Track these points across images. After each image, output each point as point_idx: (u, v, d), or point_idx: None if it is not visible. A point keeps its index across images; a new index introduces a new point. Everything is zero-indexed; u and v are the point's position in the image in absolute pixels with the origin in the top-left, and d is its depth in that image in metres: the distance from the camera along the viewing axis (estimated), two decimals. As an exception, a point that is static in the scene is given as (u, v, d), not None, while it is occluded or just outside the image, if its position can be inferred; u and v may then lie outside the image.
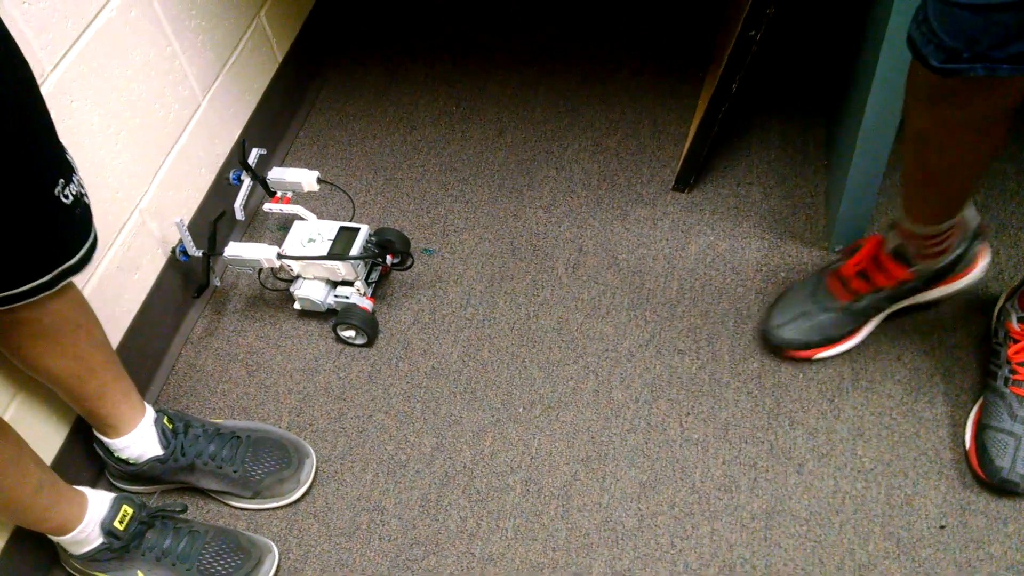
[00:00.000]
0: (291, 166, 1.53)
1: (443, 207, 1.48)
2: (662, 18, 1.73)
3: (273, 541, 1.11)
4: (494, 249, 1.41)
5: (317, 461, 1.18)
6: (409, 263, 1.35)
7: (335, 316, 1.29)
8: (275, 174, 1.35)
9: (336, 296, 1.30)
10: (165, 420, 1.11)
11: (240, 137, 1.47)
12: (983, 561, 1.03)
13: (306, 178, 1.34)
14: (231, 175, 1.36)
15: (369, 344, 1.30)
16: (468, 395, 1.24)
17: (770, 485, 1.11)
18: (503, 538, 1.10)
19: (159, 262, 1.29)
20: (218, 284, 1.38)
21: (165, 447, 1.10)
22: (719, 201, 1.43)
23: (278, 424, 1.24)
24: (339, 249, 1.26)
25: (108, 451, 1.10)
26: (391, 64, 1.73)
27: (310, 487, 1.16)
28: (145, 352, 1.27)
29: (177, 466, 1.12)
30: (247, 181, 1.36)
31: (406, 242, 1.37)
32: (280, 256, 1.26)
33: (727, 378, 1.22)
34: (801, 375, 1.21)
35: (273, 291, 1.38)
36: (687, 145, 1.43)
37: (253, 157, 1.36)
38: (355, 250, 1.26)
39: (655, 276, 1.35)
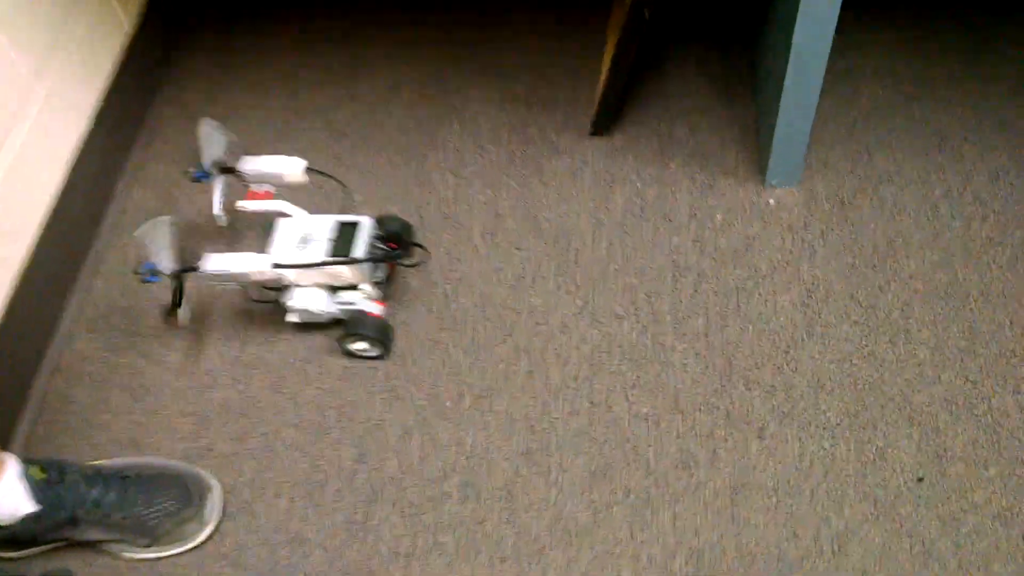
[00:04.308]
0: (158, 151, 1.34)
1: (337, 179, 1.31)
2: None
3: (179, 594, 0.96)
4: (400, 223, 1.25)
5: (222, 493, 1.03)
6: (418, 260, 1.17)
7: (341, 326, 1.11)
8: (250, 164, 1.14)
9: (339, 303, 1.11)
10: (34, 470, 0.94)
11: (92, 125, 1.26)
12: (967, 512, 0.95)
13: (289, 168, 1.13)
14: (193, 169, 1.15)
15: (384, 355, 1.12)
16: (387, 394, 1.10)
17: (731, 456, 1.01)
18: (444, 555, 0.98)
19: (5, 281, 1.09)
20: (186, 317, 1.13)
21: (40, 501, 0.93)
22: (642, 143, 1.30)
23: (172, 455, 1.07)
24: (342, 249, 1.07)
25: (-30, 518, 0.92)
26: (261, 23, 1.53)
27: (217, 525, 1.01)
28: (2, 391, 1.09)
29: (57, 521, 0.95)
30: (218, 175, 1.14)
31: (410, 231, 1.19)
32: (276, 266, 1.06)
33: (672, 340, 1.10)
34: (751, 327, 1.10)
35: (262, 303, 1.16)
36: (601, 84, 1.29)
37: (219, 139, 1.14)
38: (360, 248, 1.06)
39: (581, 235, 1.21)
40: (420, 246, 1.16)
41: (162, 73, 1.46)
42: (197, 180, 1.16)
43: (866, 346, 1.07)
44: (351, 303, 1.11)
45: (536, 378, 1.09)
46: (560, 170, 1.28)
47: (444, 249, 1.22)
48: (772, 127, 1.14)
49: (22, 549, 0.99)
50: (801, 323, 1.09)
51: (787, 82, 1.06)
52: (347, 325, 1.10)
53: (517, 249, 1.21)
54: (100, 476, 0.98)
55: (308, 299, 1.09)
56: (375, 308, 1.11)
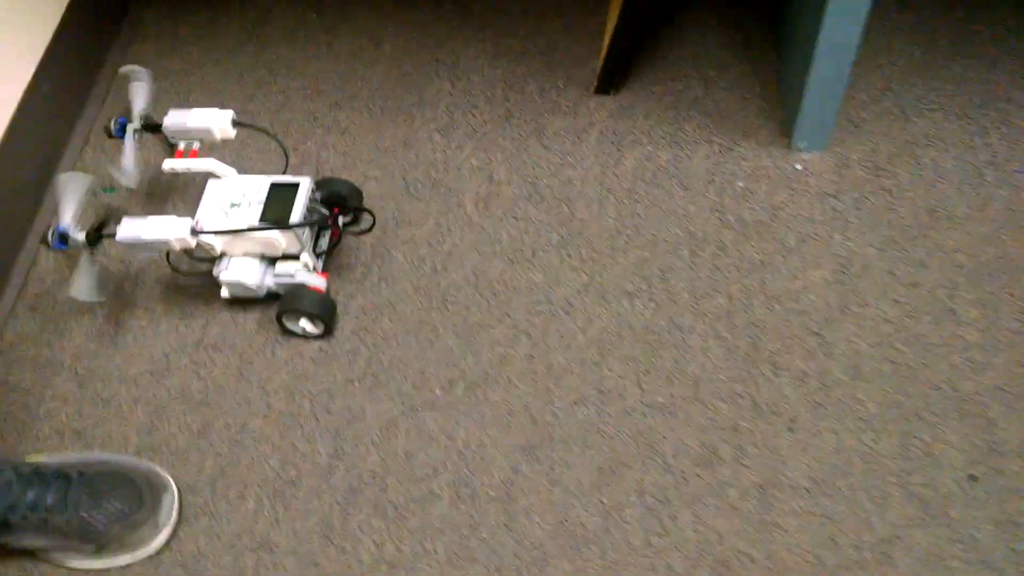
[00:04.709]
0: (111, 109, 1.20)
1: (313, 141, 1.18)
2: None
3: (128, 610, 0.84)
4: (383, 189, 1.12)
5: (180, 492, 0.90)
6: (370, 224, 1.05)
7: (277, 302, 0.99)
8: (174, 119, 1.02)
9: (277, 276, 0.99)
10: (-44, 472, 0.81)
11: (37, 73, 1.12)
12: (1027, 515, 0.83)
13: (217, 121, 1.01)
14: (112, 124, 1.03)
15: (327, 333, 1.00)
16: (369, 380, 0.97)
17: (758, 451, 0.89)
18: (433, 564, 0.85)
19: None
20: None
21: None
22: (653, 101, 1.17)
23: (124, 449, 0.94)
24: (275, 213, 0.94)
25: None
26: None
27: (174, 529, 0.88)
28: (-71, 376, 0.96)
29: None
30: (131, 130, 1.03)
31: (359, 195, 1.06)
32: (195, 232, 0.94)
33: (690, 321, 0.98)
34: (779, 306, 0.98)
35: (190, 276, 1.05)
36: (608, 36, 1.16)
37: (144, 91, 1.04)
38: (297, 212, 0.94)
39: (587, 203, 1.08)
40: (367, 211, 1.03)
41: (115, 24, 1.32)
42: (115, 136, 1.04)
43: (907, 328, 0.95)
44: (290, 275, 0.99)
45: (537, 363, 0.96)
46: (562, 131, 1.15)
47: (432, 219, 1.09)
48: (801, 82, 1.02)
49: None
50: (834, 302, 0.97)
51: (824, 29, 0.93)
52: (282, 300, 0.97)
53: (514, 218, 1.08)
54: (37, 475, 0.85)
55: (241, 271, 0.97)
56: (316, 281, 0.99)
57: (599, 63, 1.17)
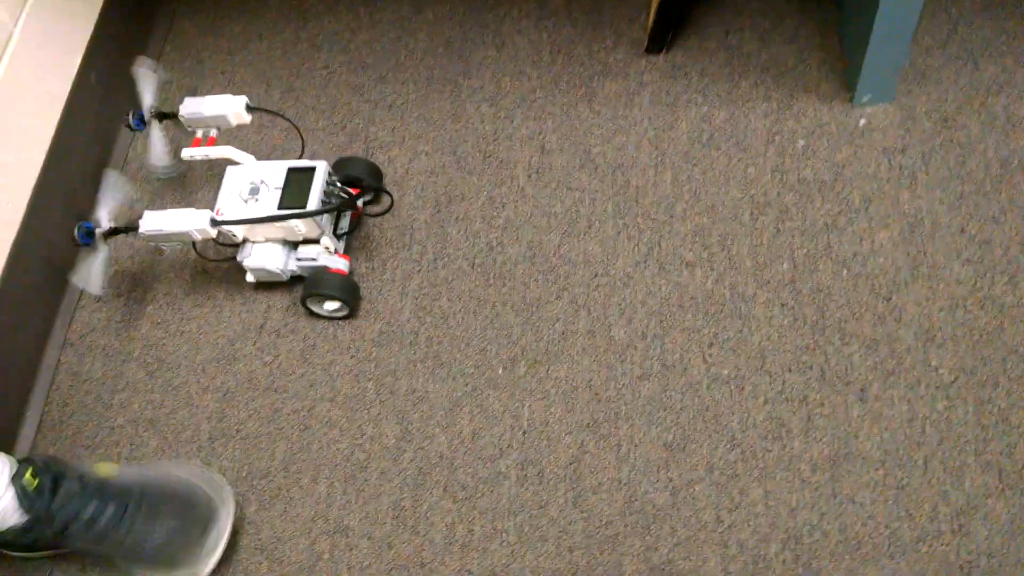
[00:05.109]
0: (163, 92, 1.20)
1: (361, 117, 1.17)
2: None
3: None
4: (433, 163, 1.11)
5: (236, 510, 0.89)
6: (389, 204, 1.06)
7: (301, 285, 1.00)
8: (189, 107, 1.03)
9: (300, 259, 1.00)
10: (27, 475, 0.83)
11: (83, 64, 1.12)
12: (1112, 483, 0.81)
13: (231, 107, 1.01)
14: (131, 118, 1.04)
15: (351, 315, 1.01)
16: (431, 361, 0.98)
17: (828, 423, 0.87)
18: (504, 544, 0.87)
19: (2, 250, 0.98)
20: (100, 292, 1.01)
21: (28, 511, 0.82)
22: (707, 59, 1.13)
23: (196, 436, 0.97)
24: (293, 199, 0.95)
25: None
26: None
27: (223, 554, 0.87)
28: (9, 369, 0.98)
29: (46, 534, 0.84)
30: (155, 123, 1.05)
31: (378, 174, 1.07)
32: (215, 223, 0.95)
33: (753, 289, 0.96)
34: (845, 271, 0.95)
35: (218, 262, 1.07)
36: (657, -8, 1.11)
37: (152, 82, 1.04)
38: (314, 197, 0.95)
39: (641, 169, 1.06)
40: (385, 191, 1.05)
41: (155, 5, 1.31)
42: (135, 130, 1.05)
43: (981, 289, 0.92)
44: (312, 258, 1.00)
45: (598, 338, 0.96)
46: (613, 94, 1.12)
47: (485, 192, 1.08)
48: (866, 28, 0.96)
49: (22, 552, 0.90)
50: (904, 264, 0.94)
51: (889, -22, 0.89)
52: (307, 284, 0.98)
53: (568, 189, 1.06)
54: (100, 490, 0.86)
55: (264, 256, 0.98)
56: (338, 263, 1.00)
57: (648, 20, 1.13)
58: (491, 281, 1.01)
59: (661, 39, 1.13)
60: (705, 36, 1.15)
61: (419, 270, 1.03)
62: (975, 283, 0.92)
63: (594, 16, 1.20)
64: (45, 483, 0.83)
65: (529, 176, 1.08)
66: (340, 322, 1.01)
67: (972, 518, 0.81)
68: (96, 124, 1.15)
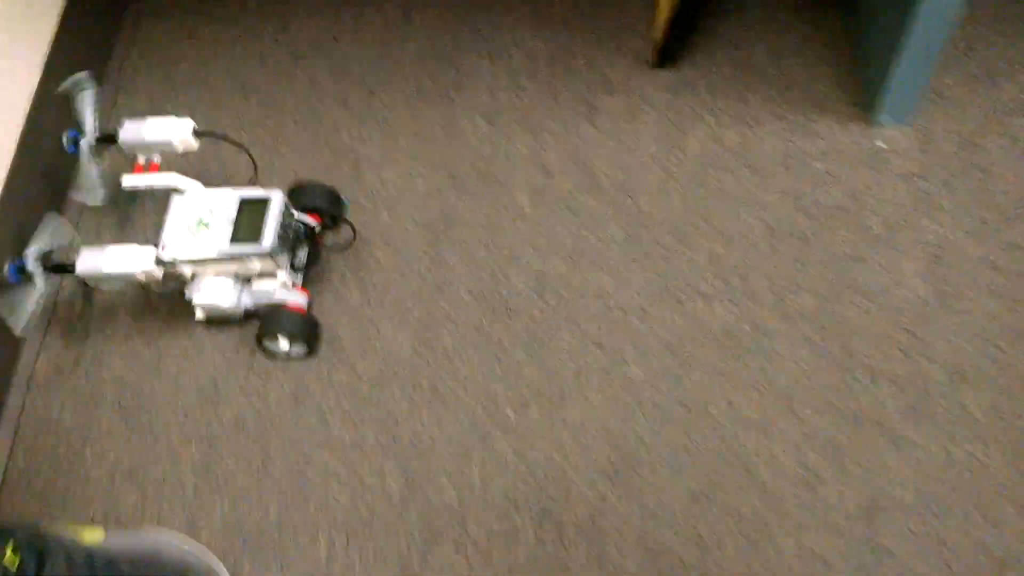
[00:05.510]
0: (132, 108, 1.11)
1: (347, 133, 1.09)
2: None
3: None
4: (428, 185, 1.04)
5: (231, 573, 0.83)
6: (352, 237, 0.97)
7: (259, 323, 0.92)
8: (129, 132, 0.94)
9: (254, 294, 0.92)
10: (8, 551, 0.74)
11: (44, 75, 1.02)
12: None
13: (176, 132, 0.93)
14: (66, 139, 0.95)
15: (311, 353, 0.94)
16: (436, 404, 0.91)
17: (862, 470, 0.83)
18: (523, 605, 0.81)
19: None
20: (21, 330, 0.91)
21: None
22: (716, 74, 1.08)
23: (179, 490, 0.89)
24: (246, 232, 0.88)
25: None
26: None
27: None
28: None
29: None
30: (85, 149, 0.95)
31: (337, 200, 0.98)
32: (160, 262, 0.87)
33: (775, 323, 0.91)
34: (871, 305, 0.91)
35: (165, 297, 0.98)
36: (663, 1, 1.05)
37: (90, 100, 0.94)
38: (270, 230, 0.87)
39: (649, 192, 1.00)
40: (347, 222, 0.97)
41: (120, 7, 1.21)
42: (70, 153, 0.96)
43: (1010, 324, 0.89)
44: (268, 292, 0.92)
45: (613, 378, 0.90)
46: (617, 111, 1.06)
47: (484, 215, 1.01)
48: (889, 47, 0.92)
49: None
50: (930, 296, 0.91)
51: (921, -4, 0.84)
52: (264, 322, 0.91)
53: (572, 213, 1.00)
54: (88, 564, 0.78)
55: (215, 293, 0.90)
56: (295, 298, 0.92)
57: (655, 33, 1.07)
58: (495, 315, 0.95)
59: (667, 52, 1.07)
60: (714, 49, 1.09)
61: (417, 301, 0.97)
62: (1005, 317, 0.89)
63: (593, 24, 1.13)
64: (28, 560, 0.75)
65: (530, 198, 1.02)
66: (334, 360, 0.94)
67: (1012, 570, 0.78)
68: (59, 131, 1.05)
